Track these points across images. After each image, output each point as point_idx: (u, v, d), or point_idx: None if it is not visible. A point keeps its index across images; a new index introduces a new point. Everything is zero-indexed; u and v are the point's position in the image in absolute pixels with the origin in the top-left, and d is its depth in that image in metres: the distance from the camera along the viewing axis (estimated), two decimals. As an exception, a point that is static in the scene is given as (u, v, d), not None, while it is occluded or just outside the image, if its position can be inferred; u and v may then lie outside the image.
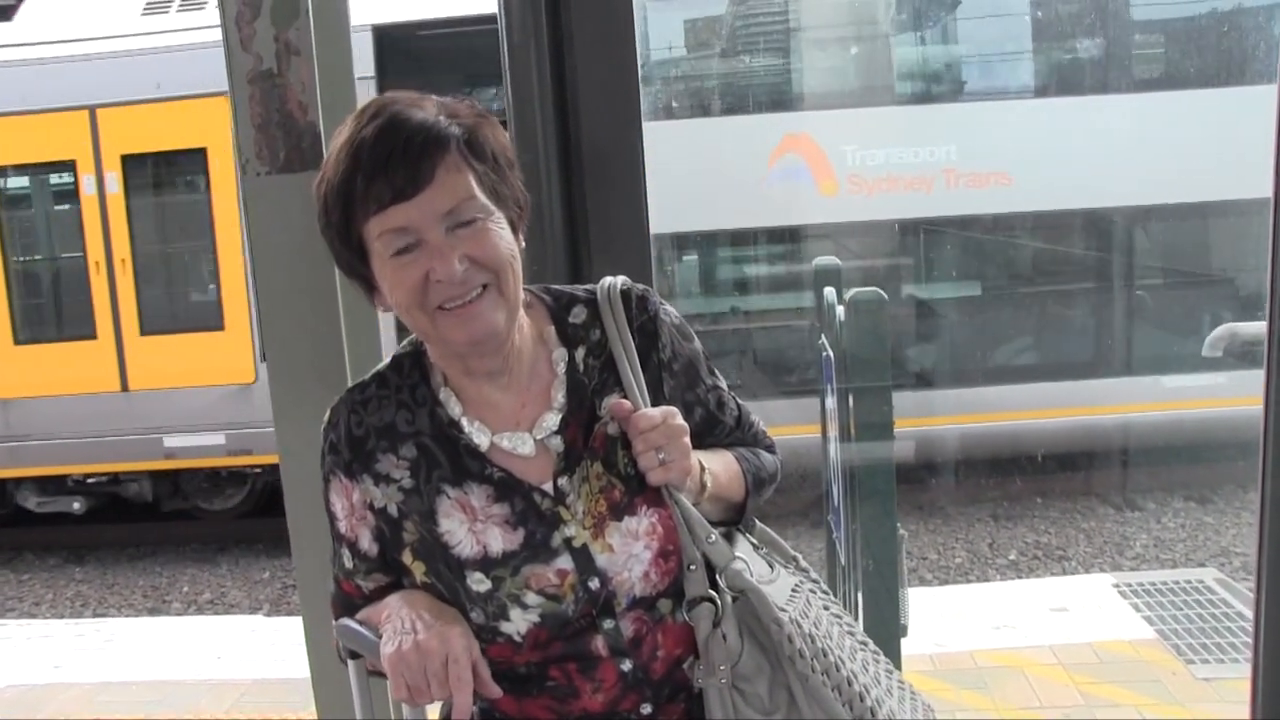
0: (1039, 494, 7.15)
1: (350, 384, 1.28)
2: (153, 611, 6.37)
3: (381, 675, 1.18)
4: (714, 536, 1.19)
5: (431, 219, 1.10)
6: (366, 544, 1.23)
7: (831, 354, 2.98)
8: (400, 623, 1.14)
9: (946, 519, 6.88)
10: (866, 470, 2.68)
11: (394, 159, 1.09)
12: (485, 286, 1.13)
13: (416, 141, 1.09)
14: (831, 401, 3.04)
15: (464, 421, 1.20)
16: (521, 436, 1.20)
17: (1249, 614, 3.48)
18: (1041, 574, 5.99)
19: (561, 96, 1.83)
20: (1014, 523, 6.78)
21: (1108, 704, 3.38)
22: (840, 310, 2.83)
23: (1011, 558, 6.27)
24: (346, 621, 1.26)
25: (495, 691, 1.14)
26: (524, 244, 1.18)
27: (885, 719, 1.21)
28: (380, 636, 1.16)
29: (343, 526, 1.24)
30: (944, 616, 4.10)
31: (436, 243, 1.10)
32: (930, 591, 4.93)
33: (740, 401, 1.34)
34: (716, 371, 1.32)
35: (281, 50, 1.74)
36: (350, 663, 1.29)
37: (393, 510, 1.20)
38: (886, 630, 2.54)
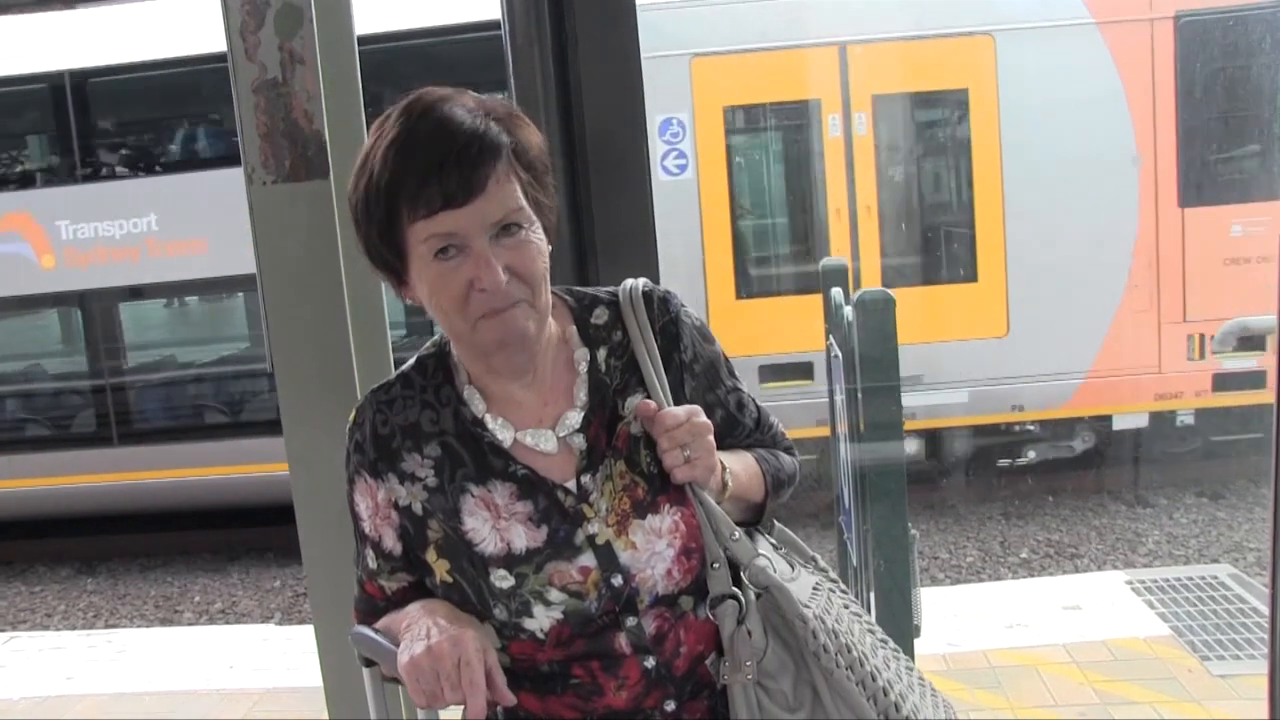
0: (1050, 492, 7.13)
1: (359, 393, 1.28)
2: (164, 621, 6.38)
3: (397, 681, 1.18)
4: (737, 534, 1.20)
5: (479, 228, 1.11)
6: (391, 543, 1.24)
7: (840, 354, 2.97)
8: (417, 630, 1.14)
9: (958, 518, 6.86)
10: (877, 470, 2.67)
11: (448, 164, 1.09)
12: (519, 299, 1.14)
13: (472, 150, 1.10)
14: (840, 402, 3.03)
15: (487, 419, 1.21)
16: (544, 434, 1.21)
17: (1265, 610, 3.46)
18: (1054, 572, 5.97)
19: (565, 98, 1.83)
20: (1025, 521, 6.76)
21: (1123, 702, 3.36)
22: (848, 310, 2.83)
23: (1023, 556, 6.25)
24: (362, 630, 1.26)
25: (509, 699, 1.13)
26: (550, 247, 1.19)
27: (909, 715, 1.21)
28: (397, 645, 1.16)
29: (366, 527, 1.25)
30: (957, 616, 4.08)
31: (481, 251, 1.11)
32: (942, 591, 4.91)
33: (760, 404, 1.35)
34: (736, 374, 1.32)
35: (286, 59, 1.74)
36: (365, 671, 1.29)
37: (418, 508, 1.21)
38: (899, 630, 2.53)
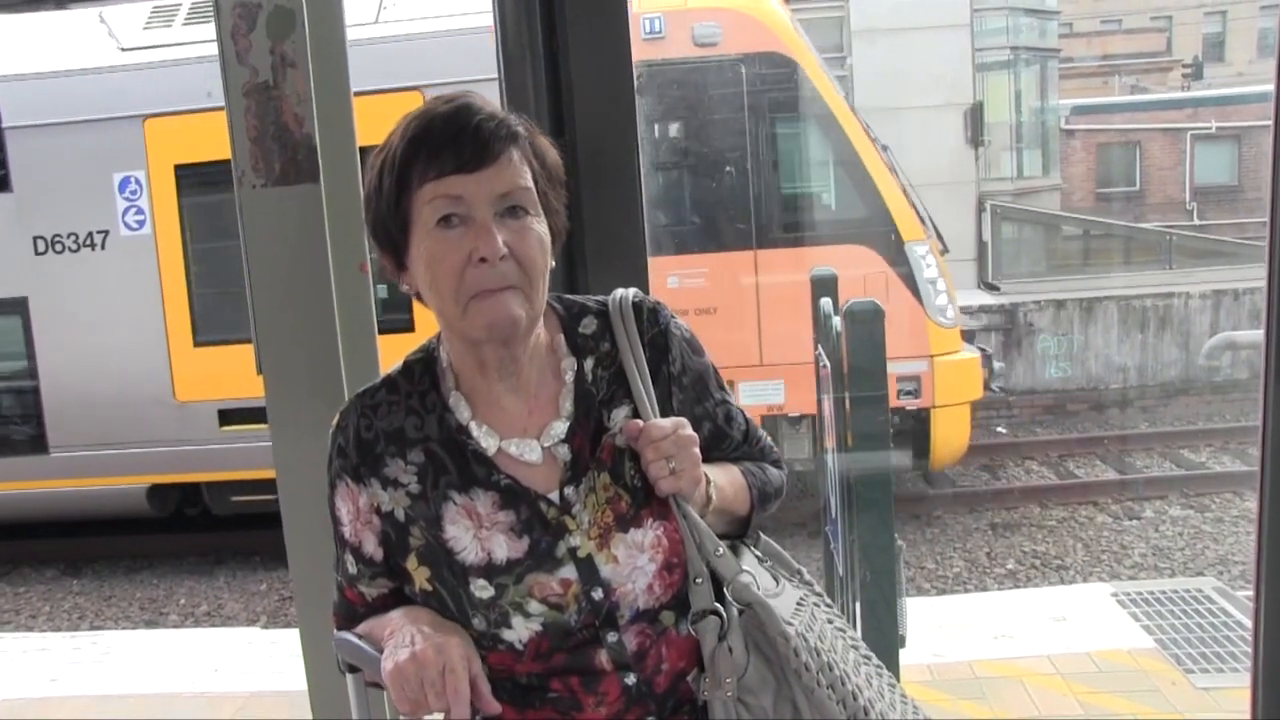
0: (1036, 503, 7.15)
1: (347, 397, 1.28)
2: (150, 624, 6.34)
3: (380, 686, 1.18)
4: (721, 549, 1.20)
5: (486, 197, 1.13)
6: (371, 548, 1.23)
7: (828, 364, 2.98)
8: (401, 637, 1.14)
9: (944, 528, 6.87)
10: (864, 481, 2.67)
11: (464, 134, 1.13)
12: (513, 286, 1.15)
13: (489, 125, 1.13)
14: (829, 412, 3.04)
15: (472, 426, 1.21)
16: (529, 443, 1.20)
17: (1248, 623, 3.47)
18: (1040, 583, 5.98)
19: (556, 104, 1.83)
20: (1011, 532, 6.77)
21: (1107, 714, 3.37)
22: (837, 321, 2.84)
23: (1009, 567, 6.26)
24: (345, 635, 1.26)
25: (494, 708, 1.13)
26: (554, 264, 1.19)
27: None
28: (380, 652, 1.16)
29: (347, 532, 1.24)
30: (942, 626, 4.09)
31: (484, 221, 1.13)
32: (928, 601, 4.91)
33: (748, 416, 1.35)
34: (725, 386, 1.32)
35: (277, 63, 1.74)
36: (349, 676, 1.28)
37: (399, 515, 1.21)
38: (884, 641, 2.53)
